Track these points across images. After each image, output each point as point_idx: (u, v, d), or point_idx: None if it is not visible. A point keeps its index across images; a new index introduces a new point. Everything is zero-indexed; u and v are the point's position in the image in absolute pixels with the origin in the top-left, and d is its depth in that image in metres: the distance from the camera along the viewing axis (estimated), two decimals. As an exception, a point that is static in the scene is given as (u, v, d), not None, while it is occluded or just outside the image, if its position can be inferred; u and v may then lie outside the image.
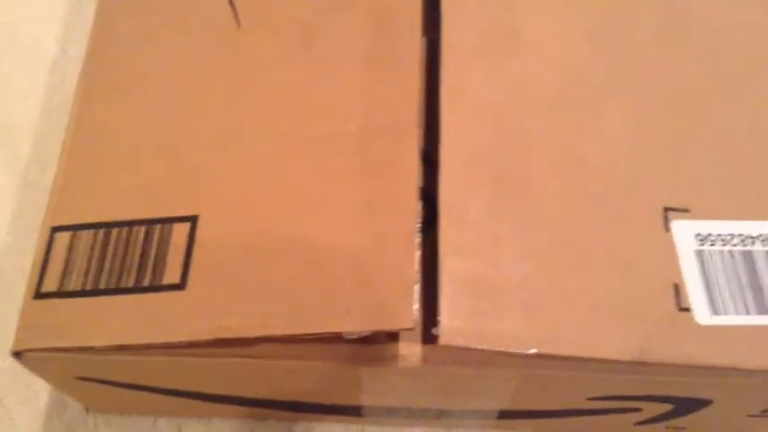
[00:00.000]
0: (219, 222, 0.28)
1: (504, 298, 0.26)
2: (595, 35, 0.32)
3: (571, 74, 0.31)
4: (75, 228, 0.29)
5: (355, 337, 0.26)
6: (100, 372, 0.30)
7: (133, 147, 0.31)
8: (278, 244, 0.28)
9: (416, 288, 0.26)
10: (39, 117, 0.44)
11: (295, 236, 0.28)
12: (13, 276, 0.39)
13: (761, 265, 0.28)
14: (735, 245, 0.28)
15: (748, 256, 0.28)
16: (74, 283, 0.28)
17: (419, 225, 0.28)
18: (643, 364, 0.26)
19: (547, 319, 0.26)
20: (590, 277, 0.27)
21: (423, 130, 0.31)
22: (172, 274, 0.28)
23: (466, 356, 0.26)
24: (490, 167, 0.29)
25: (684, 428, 0.33)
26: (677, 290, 0.27)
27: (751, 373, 0.26)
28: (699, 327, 0.26)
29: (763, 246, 0.28)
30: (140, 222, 0.29)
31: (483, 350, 0.26)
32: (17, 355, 0.28)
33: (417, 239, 0.28)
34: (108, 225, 0.29)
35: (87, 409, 0.36)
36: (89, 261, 0.28)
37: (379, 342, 0.27)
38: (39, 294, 0.28)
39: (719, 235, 0.28)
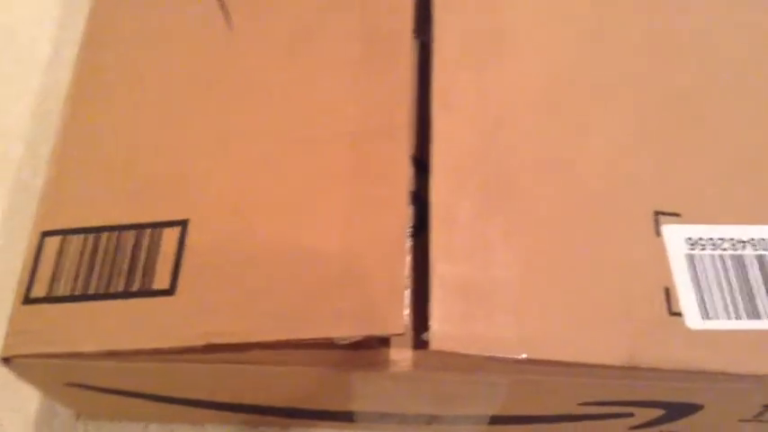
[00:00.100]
0: (210, 227, 0.28)
1: (495, 303, 0.26)
2: (585, 39, 0.32)
3: (562, 77, 0.31)
4: (65, 232, 0.29)
5: (346, 342, 0.26)
6: (90, 378, 0.30)
7: (123, 150, 0.31)
8: (268, 248, 0.28)
9: (407, 293, 0.26)
10: (32, 119, 0.44)
11: (285, 240, 0.28)
12: (4, 280, 0.38)
13: (751, 269, 0.28)
14: (725, 249, 0.28)
15: (739, 261, 0.28)
16: (63, 289, 0.28)
17: (410, 229, 0.28)
18: (634, 368, 0.26)
19: (537, 324, 0.26)
20: (581, 282, 0.27)
21: (414, 133, 0.31)
22: (161, 280, 0.27)
23: (457, 362, 0.26)
24: (481, 171, 0.29)
25: (677, 433, 0.33)
26: (668, 294, 0.27)
27: (742, 377, 0.26)
28: (689, 331, 0.26)
29: (754, 250, 0.28)
30: (130, 227, 0.29)
31: (474, 355, 0.26)
32: (6, 361, 0.27)
33: (408, 244, 0.28)
34: (98, 230, 0.29)
35: (78, 416, 0.35)
36: (78, 266, 0.28)
37: (370, 347, 0.27)
38: (28, 300, 0.28)
39: (710, 239, 0.28)
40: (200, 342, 0.26)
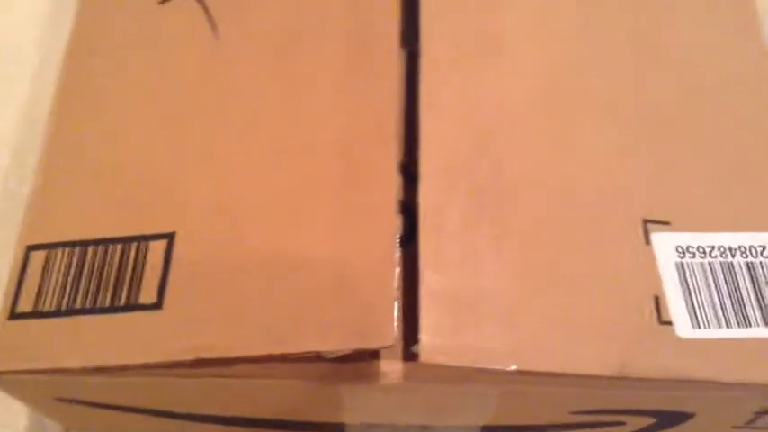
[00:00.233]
0: (197, 239, 0.28)
1: (485, 313, 0.26)
2: (574, 45, 0.32)
3: (550, 86, 0.31)
4: (51, 246, 0.29)
5: (335, 355, 0.26)
6: (77, 392, 0.30)
7: (109, 161, 0.30)
8: (255, 260, 0.27)
9: (396, 304, 0.26)
10: (19, 127, 0.43)
11: (273, 252, 0.27)
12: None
13: (741, 277, 0.28)
14: (715, 257, 0.28)
15: (728, 269, 0.28)
16: (49, 304, 0.28)
17: (398, 239, 0.28)
18: (624, 378, 0.26)
19: (527, 335, 0.26)
20: (570, 291, 0.27)
21: (401, 142, 0.30)
22: (148, 294, 0.27)
23: (447, 373, 0.26)
24: (470, 179, 0.29)
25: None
26: (658, 303, 0.27)
27: (733, 386, 0.26)
28: (680, 340, 0.26)
29: (743, 258, 0.28)
30: (116, 240, 0.28)
31: (464, 367, 0.25)
32: (-8, 377, 0.27)
33: (397, 254, 0.27)
34: (83, 243, 0.29)
35: (67, 430, 0.35)
36: (65, 280, 0.28)
37: (360, 359, 0.27)
38: (13, 315, 0.28)
39: (700, 247, 0.28)
40: (187, 357, 0.26)
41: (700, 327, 0.27)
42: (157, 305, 0.27)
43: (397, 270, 0.27)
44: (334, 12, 0.32)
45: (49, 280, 0.28)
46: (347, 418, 0.31)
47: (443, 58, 0.31)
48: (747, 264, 0.28)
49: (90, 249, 0.28)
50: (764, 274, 0.28)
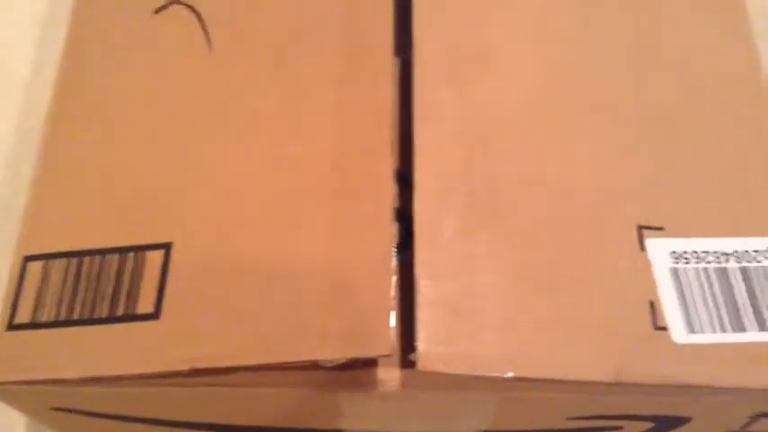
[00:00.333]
0: (193, 249, 0.28)
1: (481, 321, 0.26)
2: (569, 52, 0.32)
3: (546, 90, 0.31)
4: (48, 257, 0.29)
5: (332, 364, 0.26)
6: (75, 402, 0.30)
7: (105, 171, 0.30)
8: (252, 269, 0.27)
9: (393, 313, 0.26)
10: (12, 140, 0.43)
11: (270, 261, 0.28)
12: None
13: (735, 282, 0.28)
14: (709, 262, 0.28)
15: (723, 274, 0.28)
16: (47, 314, 0.28)
17: (395, 247, 0.28)
18: (620, 384, 0.26)
19: (523, 342, 0.26)
20: (566, 297, 0.27)
21: (397, 150, 0.31)
22: (146, 304, 0.27)
23: (445, 381, 0.26)
24: (465, 188, 0.29)
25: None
26: (653, 308, 0.27)
27: (728, 390, 0.26)
28: (675, 345, 0.26)
29: (738, 263, 0.28)
30: (113, 251, 0.28)
31: (461, 375, 0.26)
32: (-11, 388, 0.27)
33: (393, 262, 0.27)
34: (81, 254, 0.29)
35: (65, 439, 0.35)
36: (62, 291, 0.28)
37: (357, 368, 0.27)
38: (11, 326, 0.28)
39: (694, 252, 0.28)
40: (184, 367, 0.26)
41: (695, 332, 0.27)
42: (154, 315, 0.27)
43: (394, 278, 0.27)
44: (328, 21, 0.32)
45: (46, 291, 0.28)
46: (345, 425, 0.31)
47: (437, 67, 0.31)
48: (742, 269, 0.28)
49: (87, 260, 0.28)
50: (759, 279, 0.28)
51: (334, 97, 0.31)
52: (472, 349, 0.26)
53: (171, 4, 0.34)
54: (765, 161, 0.30)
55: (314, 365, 0.26)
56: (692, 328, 0.27)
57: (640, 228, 0.28)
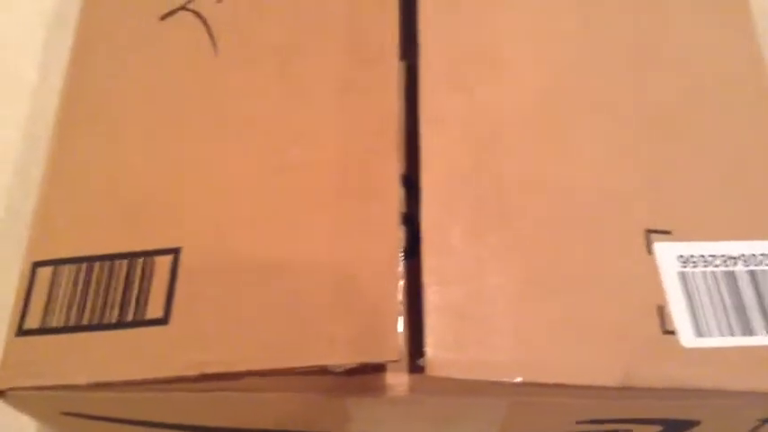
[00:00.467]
0: (202, 254, 0.28)
1: (489, 325, 0.26)
2: (574, 54, 0.32)
3: (550, 92, 0.31)
4: (57, 263, 0.29)
5: (341, 369, 0.26)
6: (85, 407, 0.30)
7: (112, 177, 0.30)
8: (260, 275, 0.28)
9: (401, 317, 0.26)
10: (20, 145, 0.43)
11: (278, 266, 0.28)
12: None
13: (743, 285, 0.28)
14: (717, 266, 0.28)
15: (731, 277, 0.28)
16: (56, 320, 0.28)
17: (402, 251, 0.28)
18: (629, 388, 0.26)
19: (532, 346, 0.26)
20: (573, 302, 0.27)
21: (403, 155, 0.31)
22: (155, 309, 0.27)
23: (453, 386, 0.26)
24: (472, 192, 0.29)
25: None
26: (661, 313, 0.27)
27: (737, 394, 0.26)
28: (684, 349, 0.26)
29: (745, 266, 0.28)
30: (122, 256, 0.29)
31: (470, 380, 0.26)
32: (0, 394, 0.27)
33: (401, 267, 0.28)
34: (90, 259, 0.29)
35: (74, 443, 0.35)
36: (71, 297, 0.28)
37: (365, 373, 0.27)
38: (21, 331, 0.28)
39: (702, 256, 0.28)
40: (193, 372, 0.26)
41: (703, 336, 0.27)
42: (163, 321, 0.27)
43: (401, 283, 0.27)
44: (333, 25, 0.32)
45: (55, 296, 0.28)
46: (353, 430, 0.31)
47: (443, 71, 0.31)
48: (750, 272, 0.28)
49: (96, 265, 0.29)
50: (766, 282, 0.28)
51: (339, 101, 0.31)
52: (481, 354, 0.26)
53: (177, 10, 0.34)
54: (770, 162, 0.30)
55: (322, 371, 0.26)
56: (700, 332, 0.27)
57: (648, 232, 0.28)
